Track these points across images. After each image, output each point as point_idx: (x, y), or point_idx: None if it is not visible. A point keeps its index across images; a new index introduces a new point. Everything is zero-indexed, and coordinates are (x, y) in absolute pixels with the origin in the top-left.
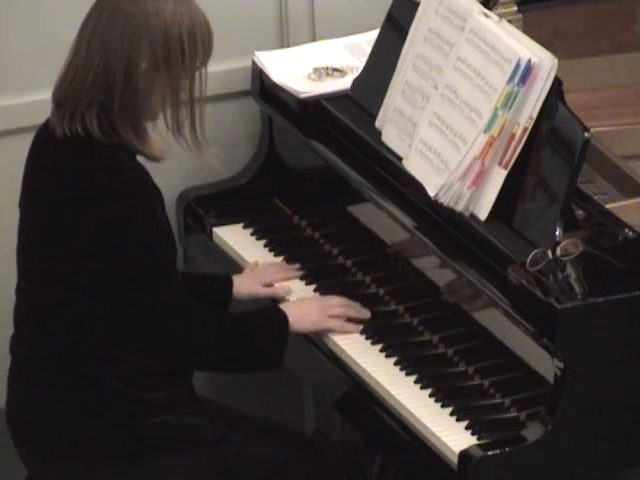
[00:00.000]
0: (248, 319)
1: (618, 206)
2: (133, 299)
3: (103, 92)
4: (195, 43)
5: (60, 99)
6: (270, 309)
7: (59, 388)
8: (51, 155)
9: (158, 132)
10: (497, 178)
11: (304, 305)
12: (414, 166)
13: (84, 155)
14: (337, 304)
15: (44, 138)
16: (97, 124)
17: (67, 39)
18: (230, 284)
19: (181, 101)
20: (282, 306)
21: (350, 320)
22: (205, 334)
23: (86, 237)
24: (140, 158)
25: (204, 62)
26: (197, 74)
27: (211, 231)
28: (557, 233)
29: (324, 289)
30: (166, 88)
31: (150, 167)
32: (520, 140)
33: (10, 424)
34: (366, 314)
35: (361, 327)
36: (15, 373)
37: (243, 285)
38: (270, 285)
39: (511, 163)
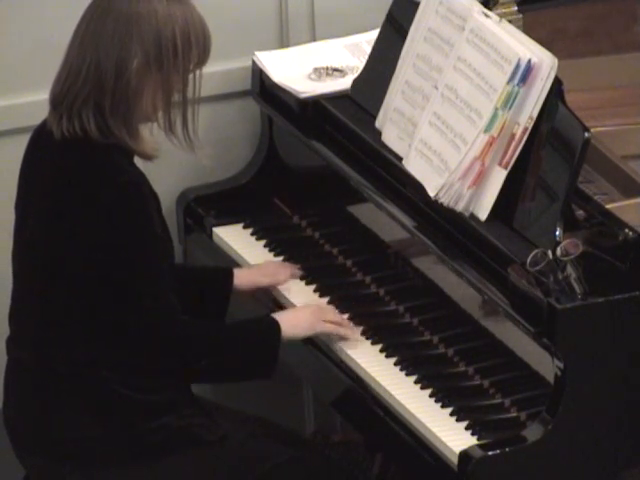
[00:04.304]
0: (240, 328)
1: (618, 206)
2: (123, 302)
3: (96, 90)
4: (189, 44)
5: (56, 99)
6: (262, 318)
7: (58, 391)
8: (48, 157)
9: (153, 131)
10: (497, 178)
11: (297, 312)
12: (414, 166)
13: (81, 156)
14: (331, 310)
15: (41, 140)
16: (94, 124)
17: (67, 39)
18: (230, 276)
19: (173, 101)
20: (274, 315)
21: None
22: (192, 344)
23: (82, 237)
24: (138, 159)
25: (199, 64)
26: (191, 76)
27: (211, 231)
28: (557, 233)
29: (324, 289)
30: (158, 88)
31: (150, 167)
32: (520, 140)
33: (8, 425)
34: (356, 332)
35: (357, 332)
36: (13, 375)
37: (244, 276)
38: (270, 284)
39: (511, 163)
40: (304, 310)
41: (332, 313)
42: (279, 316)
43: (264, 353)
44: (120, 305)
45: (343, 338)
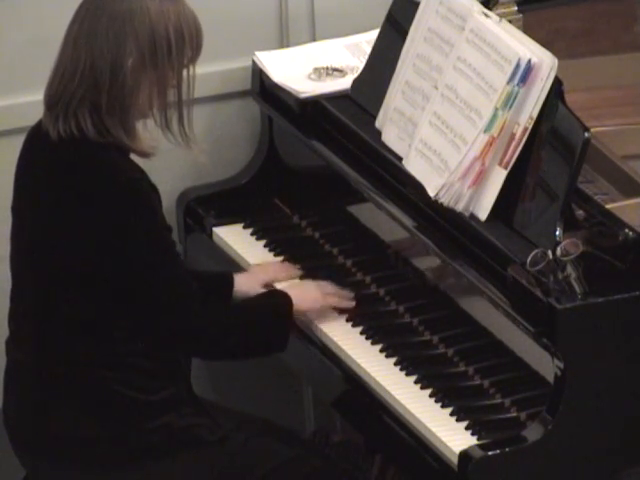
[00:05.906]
0: (253, 304)
1: (618, 206)
2: (138, 297)
3: (91, 90)
4: (182, 40)
5: (51, 100)
6: (272, 292)
7: (58, 391)
8: (45, 157)
9: (150, 129)
10: (497, 178)
11: (302, 286)
12: (414, 166)
13: (78, 156)
14: (330, 284)
15: (36, 141)
16: (91, 124)
17: None
18: (231, 282)
19: (169, 98)
20: (284, 289)
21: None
22: (214, 322)
23: (83, 238)
24: (139, 159)
25: (192, 60)
26: (185, 72)
27: (211, 231)
28: (557, 233)
29: None
30: (153, 85)
31: (150, 168)
32: (520, 140)
33: (8, 425)
34: (352, 301)
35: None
36: (12, 376)
37: (244, 283)
38: (271, 285)
39: (511, 163)
40: (309, 284)
41: (330, 286)
42: (287, 290)
43: (279, 326)
44: (135, 302)
45: (342, 337)
